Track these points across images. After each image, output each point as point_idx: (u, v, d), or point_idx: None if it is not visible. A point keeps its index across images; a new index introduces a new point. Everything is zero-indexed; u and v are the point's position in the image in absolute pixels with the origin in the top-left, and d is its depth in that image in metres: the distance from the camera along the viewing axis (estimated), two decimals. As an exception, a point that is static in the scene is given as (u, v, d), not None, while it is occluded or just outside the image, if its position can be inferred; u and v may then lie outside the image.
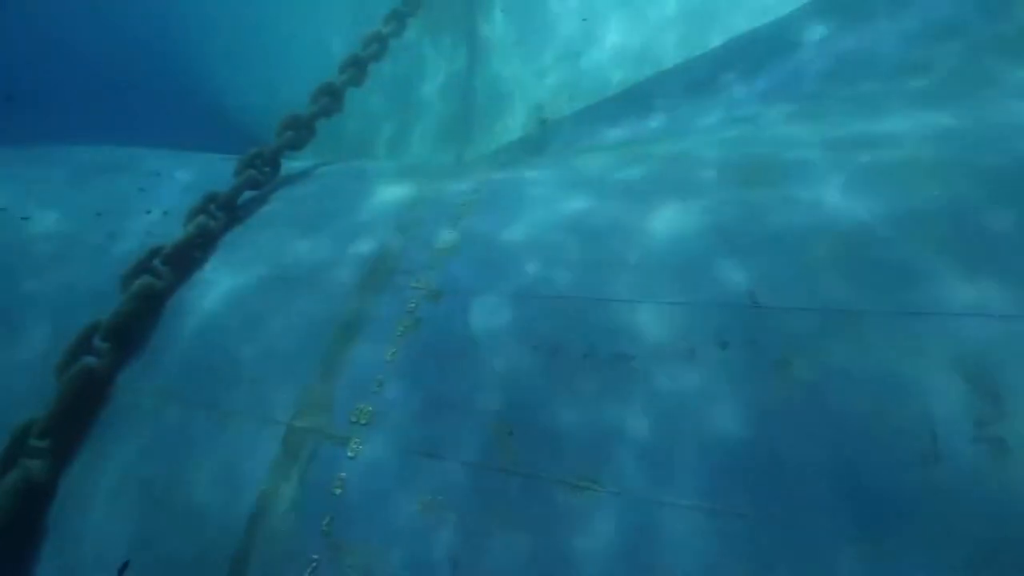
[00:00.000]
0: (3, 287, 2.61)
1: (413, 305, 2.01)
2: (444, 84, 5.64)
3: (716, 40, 4.06)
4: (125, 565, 1.76)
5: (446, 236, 2.25)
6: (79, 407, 2.14)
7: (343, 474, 1.72)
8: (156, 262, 2.58)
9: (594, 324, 1.77)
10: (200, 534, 1.80)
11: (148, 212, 3.03)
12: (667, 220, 2.03)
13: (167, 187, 3.18)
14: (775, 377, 1.55)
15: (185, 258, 2.58)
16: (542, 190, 2.41)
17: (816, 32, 3.19)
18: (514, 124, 4.90)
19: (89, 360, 2.29)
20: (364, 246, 2.36)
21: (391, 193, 2.71)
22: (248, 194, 2.92)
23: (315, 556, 1.62)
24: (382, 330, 1.98)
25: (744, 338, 1.65)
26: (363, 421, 1.80)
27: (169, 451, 2.02)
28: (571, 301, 1.85)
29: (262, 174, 2.99)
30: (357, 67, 3.86)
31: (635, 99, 4.37)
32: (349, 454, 1.75)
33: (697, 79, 4.09)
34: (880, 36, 3.00)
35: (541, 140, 4.66)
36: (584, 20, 4.51)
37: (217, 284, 2.44)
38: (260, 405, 1.98)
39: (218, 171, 3.13)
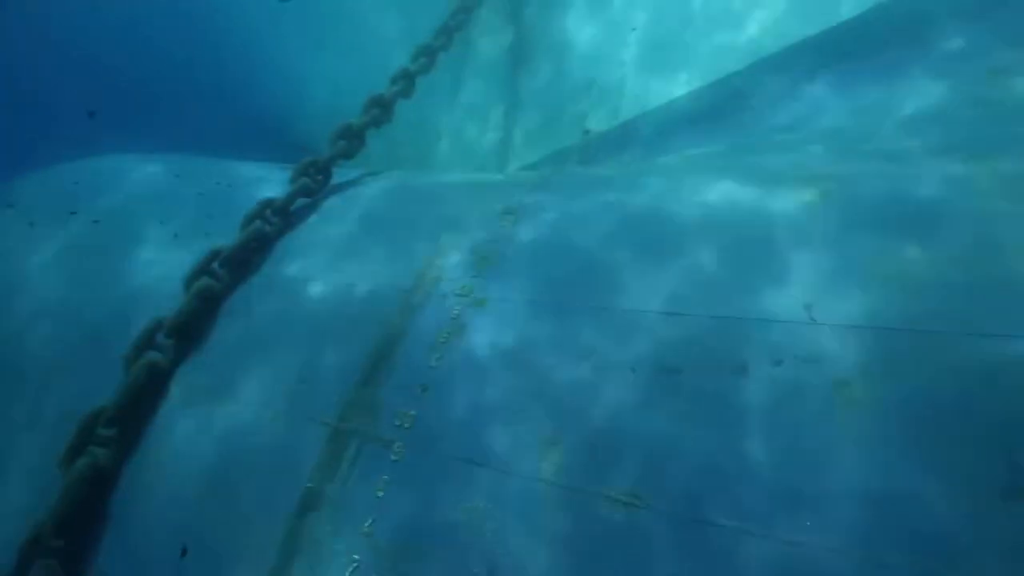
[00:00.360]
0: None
1: (457, 312, 2.04)
2: (488, 95, 5.72)
3: (768, 49, 3.96)
4: (184, 551, 1.84)
5: (492, 245, 2.27)
6: (143, 399, 2.28)
7: (386, 477, 1.75)
8: (215, 265, 2.72)
9: (641, 338, 1.74)
10: (248, 526, 1.87)
11: (210, 217, 3.21)
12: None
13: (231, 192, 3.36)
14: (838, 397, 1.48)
15: (242, 261, 2.70)
16: (592, 201, 2.40)
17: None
18: (559, 136, 4.91)
19: (153, 355, 2.43)
20: (410, 252, 2.41)
21: (438, 201, 2.76)
22: (301, 201, 3.04)
23: (357, 557, 1.65)
24: (427, 335, 2.02)
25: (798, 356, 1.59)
26: (407, 425, 1.82)
27: (220, 444, 2.11)
28: (621, 314, 1.82)
29: (315, 182, 3.10)
30: (407, 79, 3.98)
31: (687, 109, 4.32)
32: (393, 457, 1.78)
33: (752, 88, 4.01)
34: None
35: (584, 151, 4.66)
36: (633, 30, 4.49)
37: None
38: (307, 404, 2.04)
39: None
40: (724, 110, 4.07)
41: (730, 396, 1.57)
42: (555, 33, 5.07)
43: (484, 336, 1.95)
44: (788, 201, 1.98)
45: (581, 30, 4.93)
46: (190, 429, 2.17)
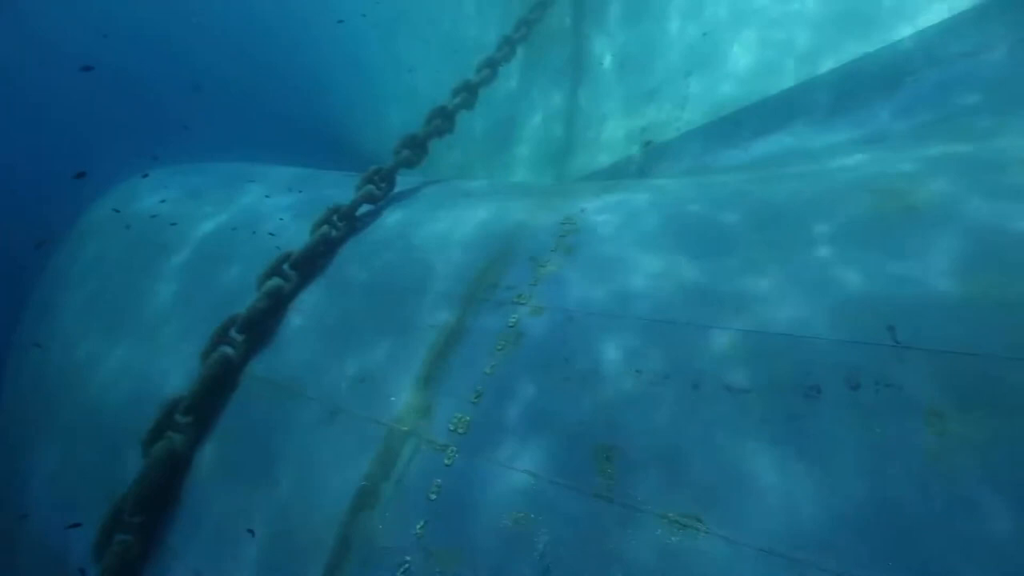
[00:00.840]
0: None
1: (514, 320, 2.04)
2: (547, 105, 5.76)
3: (828, 65, 3.80)
4: (251, 532, 1.93)
5: (550, 254, 2.26)
6: (216, 390, 2.42)
7: (439, 480, 1.76)
8: (285, 266, 2.86)
9: (705, 353, 1.67)
10: (305, 518, 1.93)
11: (281, 219, 3.40)
12: (795, 246, 1.88)
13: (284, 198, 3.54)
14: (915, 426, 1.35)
15: (310, 263, 2.83)
16: (653, 211, 2.35)
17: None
18: (615, 145, 4.87)
19: (226, 349, 2.58)
20: (468, 260, 2.44)
21: (496, 210, 2.79)
22: (366, 207, 3.16)
23: (408, 558, 1.67)
24: (483, 342, 2.02)
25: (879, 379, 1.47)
26: (460, 431, 1.83)
27: (283, 437, 2.20)
28: (682, 328, 1.76)
29: (379, 189, 3.22)
30: (468, 91, 4.07)
31: (747, 121, 4.17)
32: (446, 462, 1.79)
33: (817, 101, 3.83)
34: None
35: (645, 162, 4.58)
36: (704, 34, 4.37)
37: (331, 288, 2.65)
38: (365, 405, 2.10)
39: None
40: (785, 121, 3.94)
41: (801, 419, 1.47)
42: (617, 45, 5.04)
43: (540, 345, 1.93)
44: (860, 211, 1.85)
45: (644, 42, 4.87)
46: (256, 421, 2.28)
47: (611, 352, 1.80)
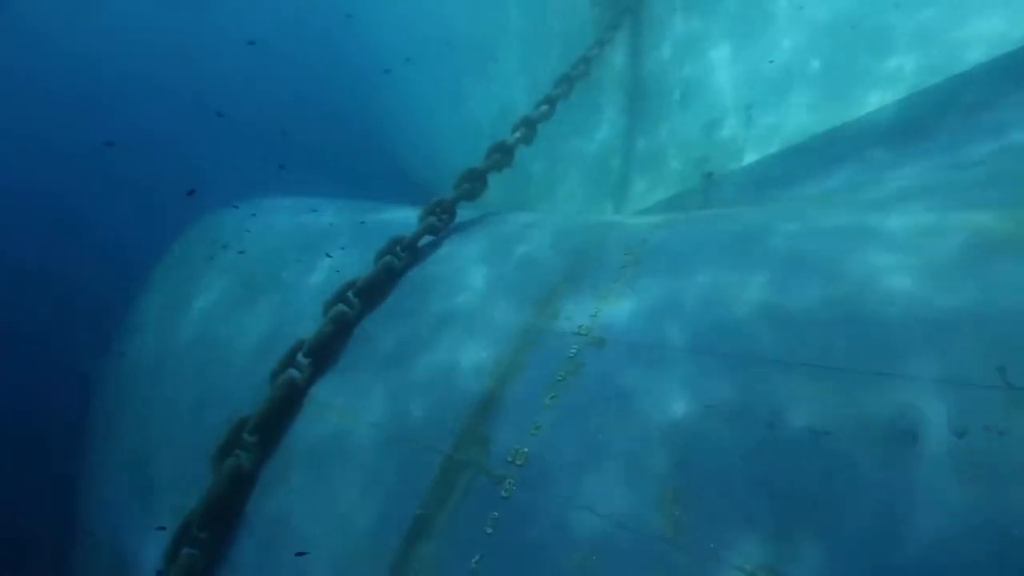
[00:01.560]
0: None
1: (575, 351, 2.00)
2: (604, 138, 5.80)
3: (900, 93, 3.63)
4: (301, 554, 1.96)
5: (612, 285, 2.23)
6: (282, 411, 2.51)
7: (495, 514, 1.72)
8: (349, 294, 2.98)
9: (782, 390, 1.57)
10: (362, 544, 1.93)
11: (343, 248, 3.56)
12: (879, 279, 1.75)
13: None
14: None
15: (373, 292, 2.93)
16: (720, 241, 2.27)
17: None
18: (673, 177, 4.81)
19: (293, 372, 2.69)
20: (528, 291, 2.44)
21: (555, 241, 2.80)
22: (427, 238, 3.25)
23: (462, 592, 1.62)
24: (542, 373, 2.00)
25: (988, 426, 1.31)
26: (519, 462, 1.79)
27: (342, 460, 2.24)
28: (756, 362, 1.67)
29: (440, 220, 3.31)
30: (528, 127, 4.17)
31: (816, 151, 4.02)
32: (503, 494, 1.75)
33: (889, 129, 3.65)
34: None
35: (706, 194, 4.48)
36: (771, 62, 4.31)
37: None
38: (422, 433, 2.10)
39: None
40: (849, 152, 3.78)
41: (895, 467, 1.34)
42: (678, 77, 5.04)
43: (602, 377, 1.88)
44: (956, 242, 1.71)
45: (704, 72, 4.85)
46: (318, 443, 2.34)
47: (677, 387, 1.72)
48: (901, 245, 1.84)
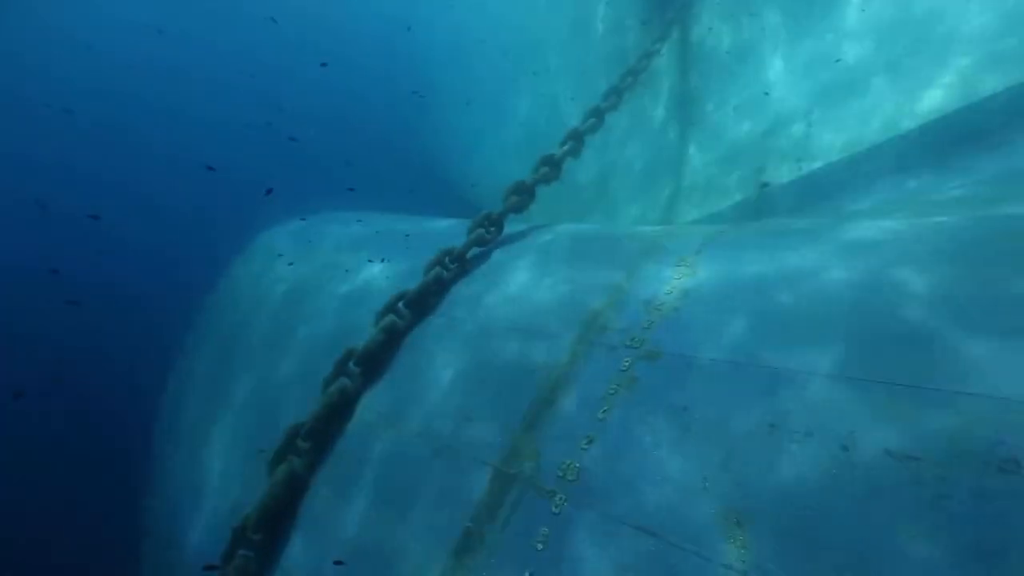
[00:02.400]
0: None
1: (628, 363, 1.94)
2: (655, 149, 5.71)
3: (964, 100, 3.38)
4: (338, 562, 1.96)
5: (665, 297, 2.15)
6: (334, 418, 2.56)
7: (545, 530, 1.67)
8: (400, 304, 3.02)
9: (858, 409, 1.45)
10: (408, 554, 1.91)
11: (392, 260, 3.64)
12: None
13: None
14: None
15: (423, 303, 2.97)
16: (774, 255, 2.16)
17: None
18: (728, 189, 4.66)
19: (344, 380, 2.74)
20: (578, 301, 2.40)
21: (606, 252, 2.75)
22: (476, 250, 3.27)
23: (511, 610, 1.58)
24: (594, 386, 1.94)
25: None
26: (570, 478, 1.74)
27: (390, 469, 2.24)
28: (825, 378, 1.55)
29: (489, 233, 3.33)
30: (576, 140, 4.15)
31: (877, 161, 3.80)
32: (554, 509, 1.70)
33: (954, 139, 3.41)
34: None
35: (760, 205, 4.31)
36: (837, 61, 4.11)
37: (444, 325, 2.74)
38: (472, 443, 2.08)
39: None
40: (920, 161, 3.54)
41: (992, 501, 1.20)
42: (732, 86, 4.91)
43: (658, 391, 1.81)
44: None
45: (759, 82, 4.70)
46: (368, 451, 2.36)
47: (738, 402, 1.63)
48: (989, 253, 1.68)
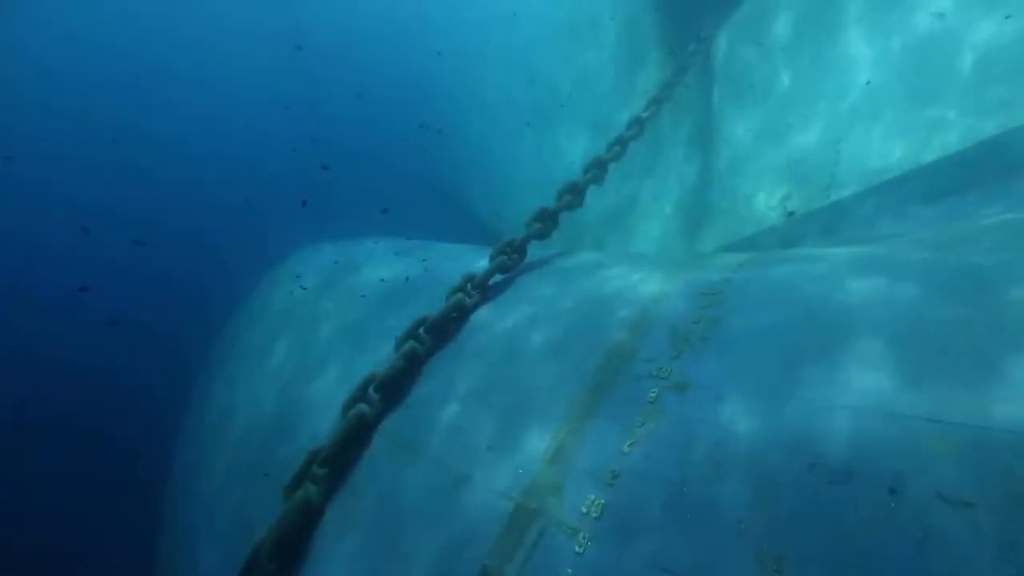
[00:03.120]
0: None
1: (655, 394, 1.87)
2: (680, 177, 5.69)
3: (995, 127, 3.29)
4: None
5: (693, 326, 2.09)
6: (352, 445, 2.52)
7: (569, 571, 1.59)
8: (421, 330, 3.01)
9: (905, 447, 1.36)
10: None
11: (415, 285, 3.64)
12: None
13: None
14: None
15: (443, 328, 2.95)
16: (806, 283, 2.09)
17: None
18: (753, 216, 4.60)
19: (363, 406, 2.71)
20: (602, 331, 2.35)
21: (630, 280, 2.70)
22: (498, 277, 3.26)
23: (531, 657, 1.49)
24: (619, 418, 1.88)
25: None
26: (594, 514, 1.66)
27: (408, 499, 2.19)
28: (869, 414, 1.47)
29: (511, 259, 3.32)
30: (599, 168, 4.16)
31: (907, 189, 3.71)
32: (577, 548, 1.62)
33: (986, 167, 3.32)
34: None
35: (787, 233, 4.23)
36: (867, 83, 4.07)
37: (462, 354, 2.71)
38: (491, 475, 2.02)
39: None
40: (952, 189, 3.45)
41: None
42: (756, 114, 4.90)
43: (685, 425, 1.73)
44: None
45: (784, 108, 4.68)
46: (384, 479, 2.31)
47: (774, 438, 1.54)
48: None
